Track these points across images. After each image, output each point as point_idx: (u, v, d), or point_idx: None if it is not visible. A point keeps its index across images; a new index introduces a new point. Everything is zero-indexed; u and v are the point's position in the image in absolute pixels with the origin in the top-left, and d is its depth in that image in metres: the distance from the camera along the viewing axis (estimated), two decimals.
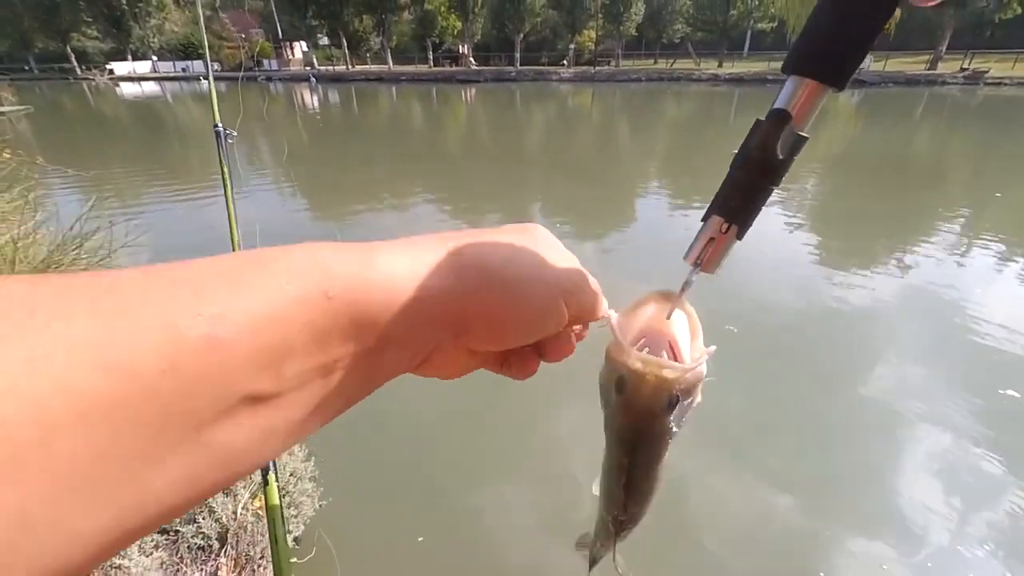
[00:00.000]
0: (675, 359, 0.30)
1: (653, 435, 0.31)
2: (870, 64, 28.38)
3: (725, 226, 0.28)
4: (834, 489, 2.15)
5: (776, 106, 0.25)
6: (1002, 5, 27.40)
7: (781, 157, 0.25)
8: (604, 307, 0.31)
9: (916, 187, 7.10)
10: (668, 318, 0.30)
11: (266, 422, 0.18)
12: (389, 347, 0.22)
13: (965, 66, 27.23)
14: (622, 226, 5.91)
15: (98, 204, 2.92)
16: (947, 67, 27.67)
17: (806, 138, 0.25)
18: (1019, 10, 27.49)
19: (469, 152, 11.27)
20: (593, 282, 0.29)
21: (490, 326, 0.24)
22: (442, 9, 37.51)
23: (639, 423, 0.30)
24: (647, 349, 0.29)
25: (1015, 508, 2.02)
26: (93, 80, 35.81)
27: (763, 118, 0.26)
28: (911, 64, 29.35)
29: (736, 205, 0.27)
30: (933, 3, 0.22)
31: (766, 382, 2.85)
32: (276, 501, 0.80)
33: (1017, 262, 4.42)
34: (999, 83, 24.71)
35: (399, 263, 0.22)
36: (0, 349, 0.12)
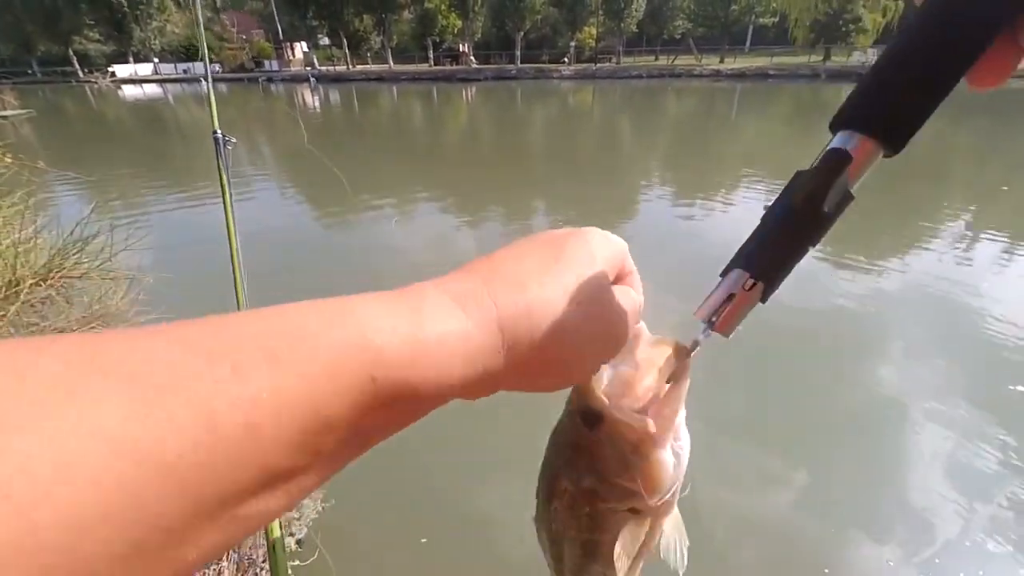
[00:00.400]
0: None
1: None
2: (873, 58, 28.18)
3: (750, 283, 0.24)
4: (840, 485, 2.13)
5: (833, 146, 0.22)
6: None
7: (827, 211, 0.22)
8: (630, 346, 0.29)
9: (921, 180, 7.04)
10: (667, 383, 0.28)
11: (299, 488, 0.18)
12: (429, 408, 0.22)
13: None
14: (625, 223, 5.89)
15: (100, 207, 2.93)
16: None
17: (854, 197, 0.22)
18: None
19: (470, 151, 11.26)
20: (630, 320, 0.28)
21: (546, 387, 0.26)
22: (442, 8, 37.46)
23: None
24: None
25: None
26: (95, 83, 35.93)
27: (804, 170, 0.22)
28: None
29: (766, 261, 0.24)
30: (991, 87, 0.21)
31: (770, 378, 2.83)
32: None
33: None
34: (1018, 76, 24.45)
35: (447, 340, 0.21)
36: (33, 447, 0.12)
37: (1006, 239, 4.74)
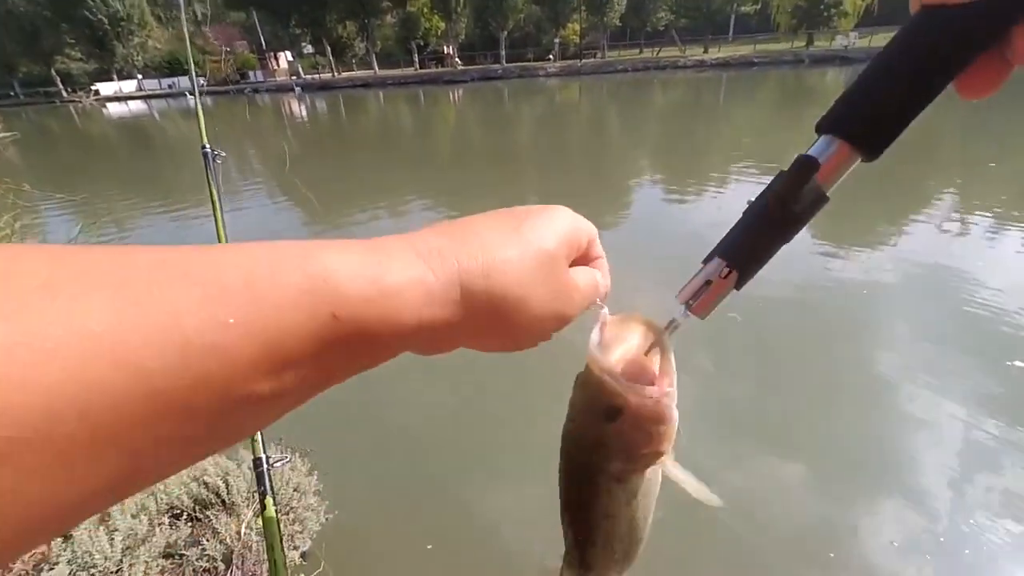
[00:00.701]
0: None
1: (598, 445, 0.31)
2: (855, 41, 28.32)
3: (726, 271, 0.26)
4: (842, 467, 2.14)
5: (806, 153, 0.24)
6: None
7: (797, 211, 0.24)
8: (601, 288, 0.31)
9: (910, 160, 7.08)
10: (647, 354, 0.29)
11: (262, 414, 0.19)
12: (387, 354, 0.23)
13: None
14: (617, 214, 5.89)
15: (87, 228, 2.91)
16: None
17: (827, 198, 0.24)
18: None
19: (460, 152, 11.24)
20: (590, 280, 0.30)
21: (494, 347, 0.27)
22: (424, 10, 37.37)
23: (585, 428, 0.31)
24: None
25: None
26: (79, 102, 35.69)
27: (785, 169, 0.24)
28: None
29: (741, 251, 0.26)
30: (983, 96, 0.21)
31: (768, 361, 2.84)
32: (275, 528, 0.79)
33: (1019, 232, 4.40)
34: None
35: (408, 288, 0.22)
36: (17, 336, 0.13)
37: (1000, 216, 4.77)
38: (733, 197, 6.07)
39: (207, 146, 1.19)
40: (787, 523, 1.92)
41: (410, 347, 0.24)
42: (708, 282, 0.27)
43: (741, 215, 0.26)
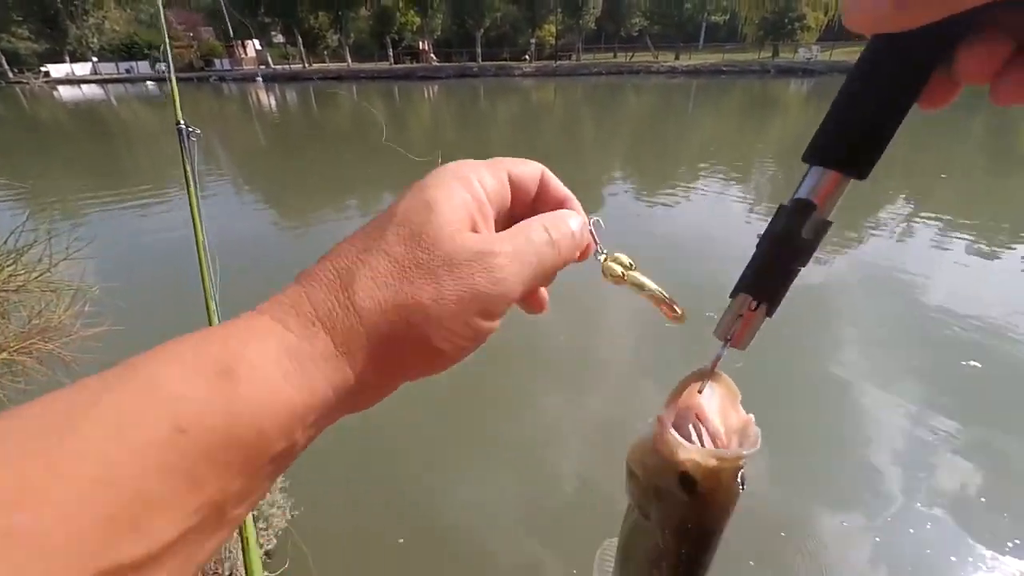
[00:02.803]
0: (699, 433, 0.29)
1: (723, 525, 0.30)
2: (817, 54, 29.57)
3: (754, 304, 0.28)
4: (796, 456, 2.24)
5: (799, 195, 0.25)
6: None
7: (807, 238, 0.26)
8: (575, 230, 0.28)
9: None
10: (700, 392, 0.30)
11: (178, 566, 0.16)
12: (288, 450, 0.19)
13: None
14: (591, 213, 5.97)
15: (36, 215, 2.74)
16: None
17: (831, 223, 0.26)
18: None
19: (434, 148, 11.12)
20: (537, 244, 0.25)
21: (437, 367, 0.24)
22: (400, 5, 36.83)
23: (715, 516, 0.30)
24: (696, 437, 0.29)
25: (982, 468, 2.16)
26: (27, 83, 33.49)
27: (786, 203, 0.26)
28: (856, 53, 30.39)
29: (763, 284, 0.28)
30: (942, 106, 0.23)
31: (731, 358, 2.94)
32: (251, 530, 0.78)
33: (972, 240, 4.64)
34: None
35: (270, 368, 0.18)
36: None
37: (955, 224, 5.04)
38: (702, 199, 6.25)
39: (182, 123, 1.15)
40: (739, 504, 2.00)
41: (321, 426, 0.21)
42: (739, 316, 0.29)
43: (755, 249, 0.27)
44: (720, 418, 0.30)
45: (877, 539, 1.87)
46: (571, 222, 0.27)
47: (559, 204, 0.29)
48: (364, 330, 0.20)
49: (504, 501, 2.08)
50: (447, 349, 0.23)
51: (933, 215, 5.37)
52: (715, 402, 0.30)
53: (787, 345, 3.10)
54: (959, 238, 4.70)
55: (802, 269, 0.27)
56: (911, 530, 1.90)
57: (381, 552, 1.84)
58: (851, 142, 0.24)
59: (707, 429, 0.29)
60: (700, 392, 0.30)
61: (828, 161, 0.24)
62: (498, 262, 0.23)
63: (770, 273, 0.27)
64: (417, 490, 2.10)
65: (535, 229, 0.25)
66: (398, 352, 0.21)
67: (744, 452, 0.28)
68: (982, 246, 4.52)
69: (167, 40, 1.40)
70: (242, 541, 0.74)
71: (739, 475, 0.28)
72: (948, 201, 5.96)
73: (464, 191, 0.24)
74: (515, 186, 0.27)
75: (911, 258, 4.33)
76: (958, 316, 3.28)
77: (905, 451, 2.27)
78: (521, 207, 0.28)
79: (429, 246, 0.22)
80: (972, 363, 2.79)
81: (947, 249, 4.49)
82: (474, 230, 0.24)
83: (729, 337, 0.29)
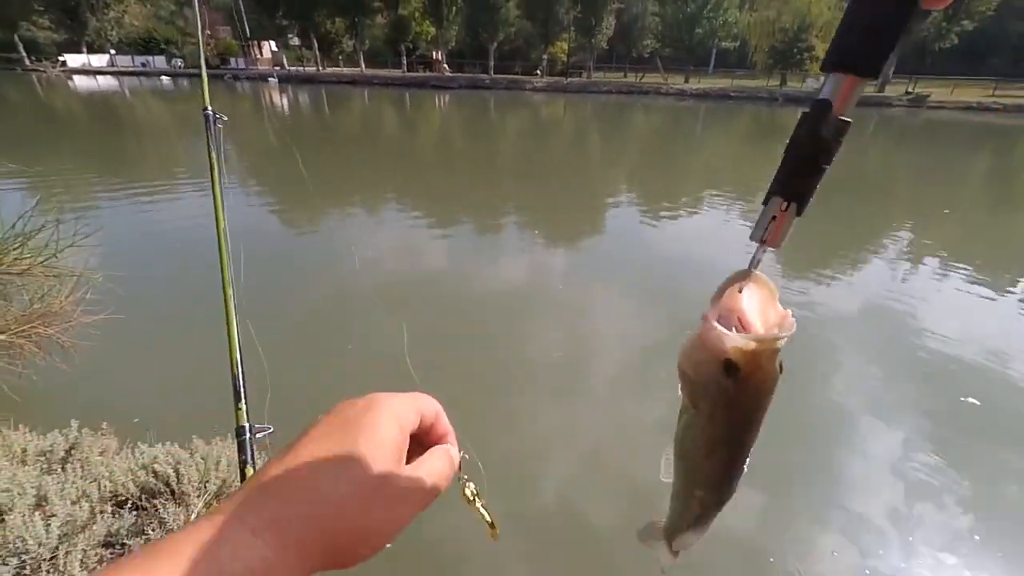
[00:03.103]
0: (740, 327, 0.32)
1: (766, 405, 0.33)
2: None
3: (784, 205, 0.31)
4: (790, 487, 2.23)
5: (820, 97, 0.29)
6: (940, 35, 29.49)
7: (827, 136, 0.28)
8: (454, 457, 0.34)
9: (871, 205, 7.50)
10: (740, 292, 0.33)
11: None
12: None
13: (909, 90, 29.12)
14: (593, 231, 6.00)
15: (45, 201, 2.76)
16: (893, 90, 29.53)
17: (849, 122, 0.28)
18: (956, 40, 29.64)
19: (442, 155, 11.23)
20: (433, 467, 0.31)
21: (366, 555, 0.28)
22: (416, 15, 37.38)
23: (758, 397, 0.32)
24: (734, 329, 0.31)
25: (977, 505, 2.15)
26: (43, 72, 33.86)
27: (807, 109, 0.29)
28: None
29: (792, 185, 0.30)
30: (943, 5, 0.25)
31: None
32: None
33: (977, 276, 4.67)
34: (939, 107, 26.55)
35: None
36: None
37: (958, 259, 5.07)
38: (705, 221, 6.29)
39: (208, 108, 1.16)
40: (727, 531, 1.99)
41: None
42: (773, 218, 0.31)
43: (783, 154, 0.30)
44: (759, 313, 0.32)
45: (867, 572, 1.86)
46: (454, 455, 0.34)
47: (445, 436, 0.35)
48: (325, 547, 0.26)
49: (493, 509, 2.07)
50: (367, 554, 0.28)
51: (935, 250, 5.40)
52: (754, 300, 0.32)
53: (787, 376, 3.10)
54: (961, 274, 4.73)
55: (827, 168, 0.29)
56: (902, 564, 1.89)
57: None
58: (861, 48, 0.27)
59: (747, 322, 0.32)
60: (740, 292, 0.33)
61: (842, 66, 0.27)
62: (429, 484, 0.30)
63: (797, 174, 0.30)
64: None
65: (443, 461, 0.32)
66: (344, 557, 0.27)
67: (780, 334, 0.30)
68: (985, 283, 4.54)
69: (201, 33, 1.41)
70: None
71: (777, 359, 0.31)
72: (954, 236, 6.00)
73: (398, 429, 0.30)
74: (422, 420, 0.33)
75: (913, 292, 4.35)
76: (958, 352, 3.29)
77: (900, 485, 2.25)
78: (418, 433, 0.33)
79: (384, 481, 0.28)
80: (971, 400, 2.79)
81: (949, 284, 4.51)
82: (399, 459, 0.30)
83: (764, 238, 0.32)
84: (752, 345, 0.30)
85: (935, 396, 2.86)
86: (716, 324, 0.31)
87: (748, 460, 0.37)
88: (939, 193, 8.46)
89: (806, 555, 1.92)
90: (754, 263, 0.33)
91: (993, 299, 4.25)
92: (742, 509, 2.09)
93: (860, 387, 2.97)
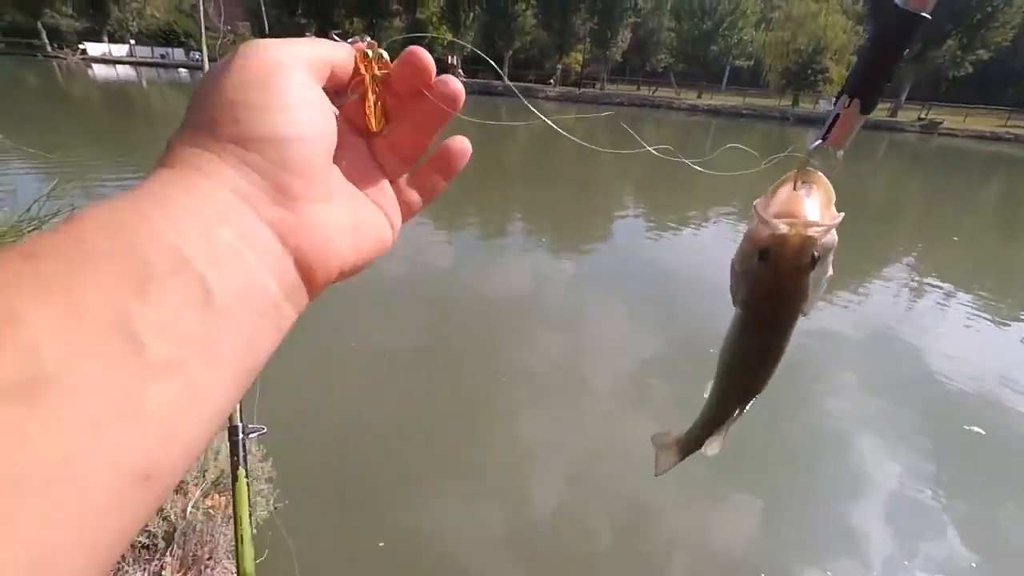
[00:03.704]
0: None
1: (797, 292, 0.33)
2: (839, 108, 29.95)
3: (847, 101, 0.31)
4: (785, 509, 2.22)
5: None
6: (955, 63, 29.52)
7: (895, 39, 0.29)
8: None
9: (877, 230, 7.49)
10: (796, 190, 0.33)
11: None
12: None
13: (922, 116, 29.12)
14: (600, 240, 6.02)
15: (61, 185, 2.81)
16: (905, 116, 29.53)
17: (923, 17, 0.28)
18: (970, 69, 29.66)
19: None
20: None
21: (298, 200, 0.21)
22: (433, 19, 37.79)
23: (786, 281, 0.33)
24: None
25: (976, 534, 2.14)
26: (64, 59, 34.34)
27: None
28: (874, 111, 31.26)
29: (857, 83, 0.31)
30: (925, 11, 0.26)
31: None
32: (245, 499, 0.79)
33: (985, 303, 4.66)
34: (952, 134, 26.51)
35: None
36: None
37: (964, 286, 5.05)
38: (711, 234, 6.30)
39: None
40: (723, 548, 1.98)
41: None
42: (837, 115, 0.32)
43: (856, 61, 0.31)
44: (804, 206, 0.32)
45: None
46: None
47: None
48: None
49: (486, 512, 2.07)
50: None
51: (943, 276, 5.38)
52: (806, 198, 0.32)
53: (791, 399, 3.10)
54: (967, 300, 4.71)
55: (898, 64, 0.30)
56: None
57: (359, 554, 1.83)
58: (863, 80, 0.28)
59: (789, 212, 0.32)
60: (792, 187, 0.33)
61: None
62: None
63: (865, 74, 0.30)
64: (401, 496, 2.10)
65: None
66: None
67: (815, 221, 0.31)
68: (992, 310, 4.52)
69: (204, 32, 1.44)
70: (235, 509, 0.76)
71: (811, 249, 0.31)
72: (962, 263, 5.98)
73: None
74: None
75: (917, 317, 4.34)
76: (963, 380, 3.27)
77: (899, 511, 2.24)
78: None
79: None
80: (975, 428, 2.77)
81: (955, 311, 4.49)
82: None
83: (826, 135, 0.32)
84: (783, 228, 0.31)
85: (938, 423, 2.85)
86: (761, 214, 0.32)
87: (779, 359, 0.37)
88: (951, 218, 8.43)
89: (799, 574, 1.91)
90: (809, 158, 0.33)
91: (1001, 326, 4.23)
92: (735, 528, 2.08)
93: (861, 412, 2.96)
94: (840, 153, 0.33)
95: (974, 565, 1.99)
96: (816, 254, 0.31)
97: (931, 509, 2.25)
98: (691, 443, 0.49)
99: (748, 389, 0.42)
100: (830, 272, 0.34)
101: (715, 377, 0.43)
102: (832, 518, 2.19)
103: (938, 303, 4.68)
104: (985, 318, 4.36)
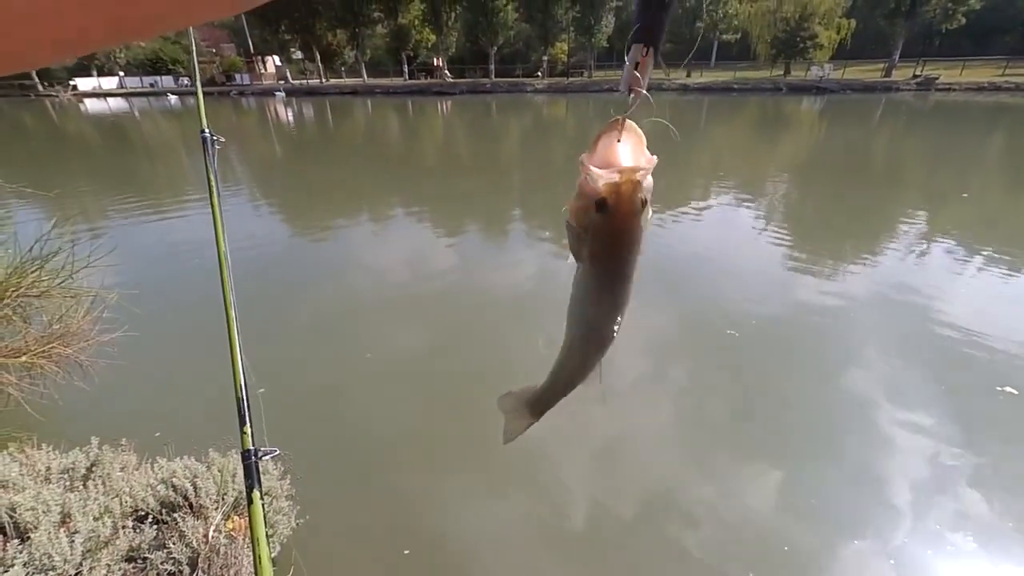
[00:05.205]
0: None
1: (637, 234, 0.35)
2: (830, 72, 29.52)
3: (644, 50, 0.35)
4: (809, 479, 2.20)
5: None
6: (947, 16, 28.94)
7: None
8: None
9: (885, 189, 7.37)
10: (619, 142, 0.35)
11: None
12: None
13: (917, 73, 28.60)
14: None
15: (61, 223, 2.83)
16: (900, 75, 29.01)
17: None
18: (963, 20, 29.07)
19: (446, 162, 11.28)
20: None
21: None
22: (416, 23, 37.67)
23: (626, 225, 0.35)
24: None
25: (1012, 494, 2.10)
26: (56, 96, 34.71)
27: None
28: (868, 72, 30.69)
29: (648, 32, 0.34)
30: None
31: (745, 382, 2.91)
32: (260, 520, 0.79)
33: (1006, 262, 4.54)
34: (948, 89, 26.03)
35: None
36: None
37: (985, 244, 4.95)
38: (712, 216, 6.24)
39: (206, 131, 1.18)
40: (743, 521, 1.96)
41: None
42: (637, 64, 0.35)
43: (634, 11, 0.35)
44: (629, 154, 0.35)
45: (892, 561, 1.83)
46: None
47: None
48: None
49: (512, 516, 2.06)
50: None
51: (958, 236, 5.28)
52: (627, 147, 0.35)
53: (815, 368, 3.07)
54: (989, 261, 4.60)
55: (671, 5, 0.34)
56: (929, 551, 1.85)
57: (386, 563, 1.84)
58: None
59: (615, 162, 0.34)
60: (612, 139, 0.35)
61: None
62: None
63: (650, 24, 0.34)
64: (426, 504, 2.10)
65: None
66: None
67: (640, 166, 0.34)
68: (1015, 267, 4.41)
69: (195, 55, 1.44)
70: (252, 531, 0.76)
71: (640, 192, 0.34)
72: (975, 221, 5.86)
73: None
74: None
75: (939, 279, 4.25)
76: (993, 341, 3.19)
77: (931, 473, 2.21)
78: None
79: None
80: (1008, 389, 2.72)
81: (977, 271, 4.39)
82: None
83: (632, 87, 0.35)
84: (616, 177, 0.33)
85: (969, 386, 2.80)
86: (592, 168, 0.34)
87: (628, 306, 0.39)
88: (957, 176, 8.28)
89: (827, 542, 1.89)
90: (632, 109, 0.36)
91: None
92: (759, 497, 2.07)
93: (888, 378, 2.91)
94: (646, 93, 0.36)
95: (1011, 525, 1.96)
96: (644, 196, 0.34)
97: (965, 473, 2.21)
98: (544, 403, 0.48)
99: (604, 338, 0.42)
100: (651, 213, 0.36)
101: (567, 334, 0.43)
102: (863, 485, 2.16)
103: (957, 264, 4.60)
104: (1010, 275, 4.27)
